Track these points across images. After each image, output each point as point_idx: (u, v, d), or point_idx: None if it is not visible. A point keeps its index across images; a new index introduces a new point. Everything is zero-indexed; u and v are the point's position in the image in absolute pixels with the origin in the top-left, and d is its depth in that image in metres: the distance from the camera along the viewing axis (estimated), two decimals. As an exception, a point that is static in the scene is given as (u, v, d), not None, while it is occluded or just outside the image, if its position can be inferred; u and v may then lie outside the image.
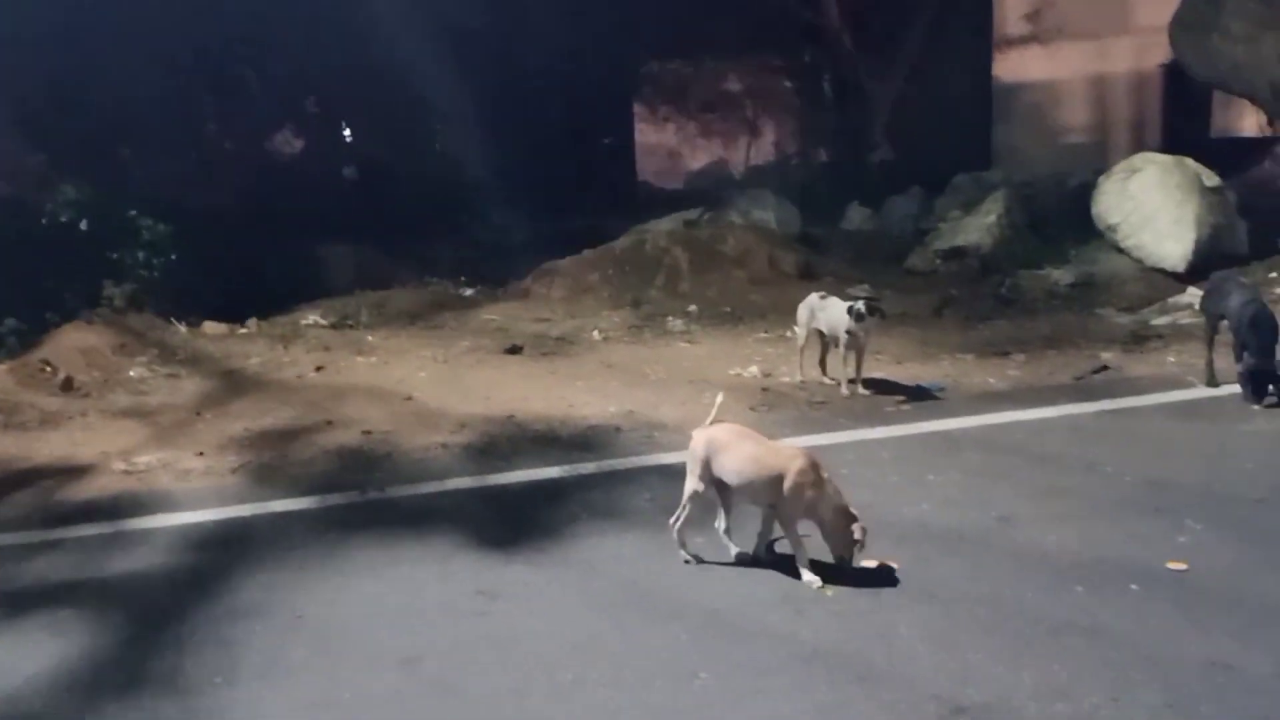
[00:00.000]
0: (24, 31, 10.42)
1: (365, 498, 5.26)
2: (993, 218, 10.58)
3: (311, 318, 9.83)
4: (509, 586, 4.15)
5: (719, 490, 4.22)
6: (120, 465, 5.89)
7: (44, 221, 9.35)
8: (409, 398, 7.06)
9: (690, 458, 4.22)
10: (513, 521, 4.83)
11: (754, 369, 7.36)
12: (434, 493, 5.30)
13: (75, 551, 4.70)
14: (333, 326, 9.57)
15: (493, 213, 13.81)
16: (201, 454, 6.02)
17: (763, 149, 16.10)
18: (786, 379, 7.07)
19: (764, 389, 6.89)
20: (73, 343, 8.15)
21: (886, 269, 10.62)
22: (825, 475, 4.05)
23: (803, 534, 4.05)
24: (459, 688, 3.44)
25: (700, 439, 4.21)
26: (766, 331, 8.60)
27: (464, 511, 5.01)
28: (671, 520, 4.27)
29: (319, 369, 7.95)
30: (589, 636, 3.72)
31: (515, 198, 14.06)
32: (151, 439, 6.39)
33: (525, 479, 5.44)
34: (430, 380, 7.54)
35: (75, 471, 5.85)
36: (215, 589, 4.21)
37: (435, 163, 16.46)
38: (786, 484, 4.00)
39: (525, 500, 5.14)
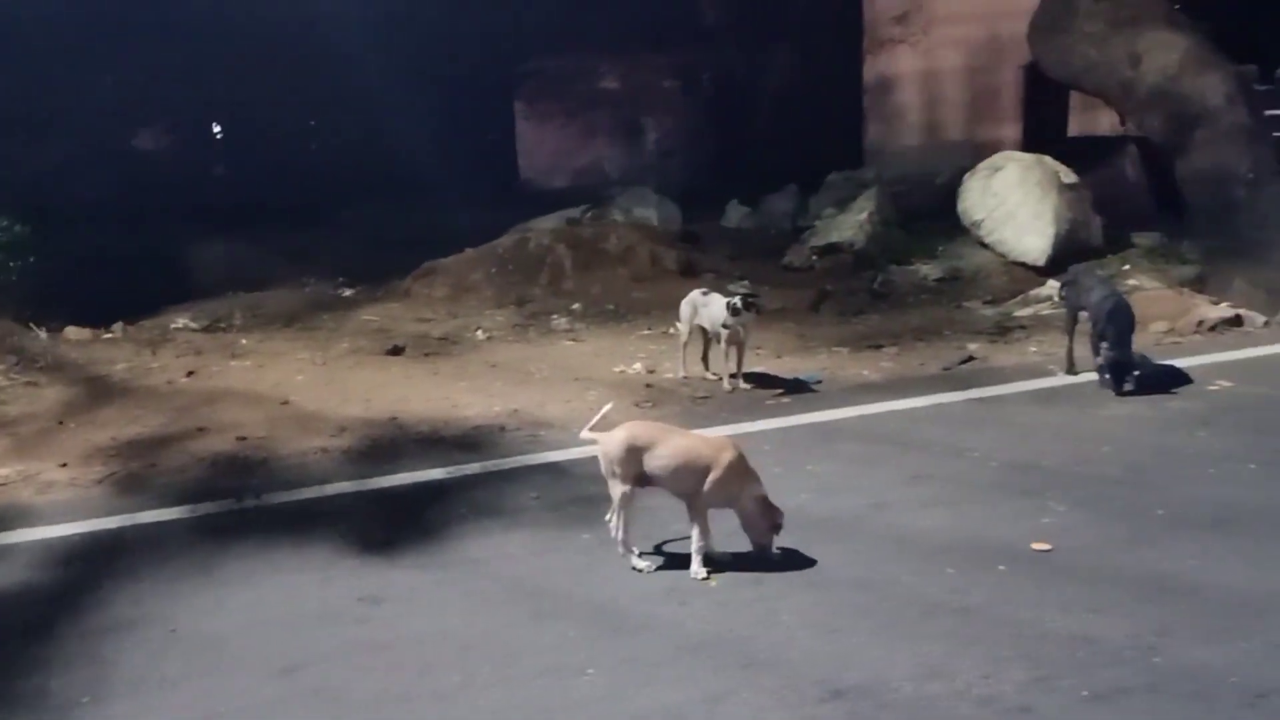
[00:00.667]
0: None
1: (241, 505, 5.11)
2: (865, 215, 10.88)
3: (181, 321, 9.48)
4: (393, 590, 4.10)
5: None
6: (-25, 479, 5.59)
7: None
8: (286, 401, 6.88)
9: (610, 461, 4.12)
10: (396, 524, 4.76)
11: (638, 366, 7.42)
12: (313, 498, 5.19)
13: (-74, 572, 4.45)
14: (204, 330, 9.25)
15: (371, 210, 13.57)
16: (65, 465, 5.75)
17: (645, 147, 16.19)
18: (670, 375, 7.14)
19: (648, 385, 6.95)
20: (-80, 350, 7.68)
21: (766, 265, 10.80)
22: (750, 465, 4.13)
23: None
24: (341, 695, 3.38)
25: (619, 439, 4.12)
26: (650, 328, 8.66)
27: (345, 516, 4.92)
28: (614, 534, 4.19)
29: (190, 374, 7.67)
30: (476, 637, 3.71)
31: (395, 195, 13.85)
32: (10, 451, 6.07)
33: (409, 481, 5.37)
34: (308, 383, 7.36)
35: (-75, 487, 5.53)
36: (83, 604, 4.04)
37: (310, 159, 16.10)
38: (715, 474, 4.06)
39: (409, 502, 5.07)
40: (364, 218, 13.39)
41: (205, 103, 15.39)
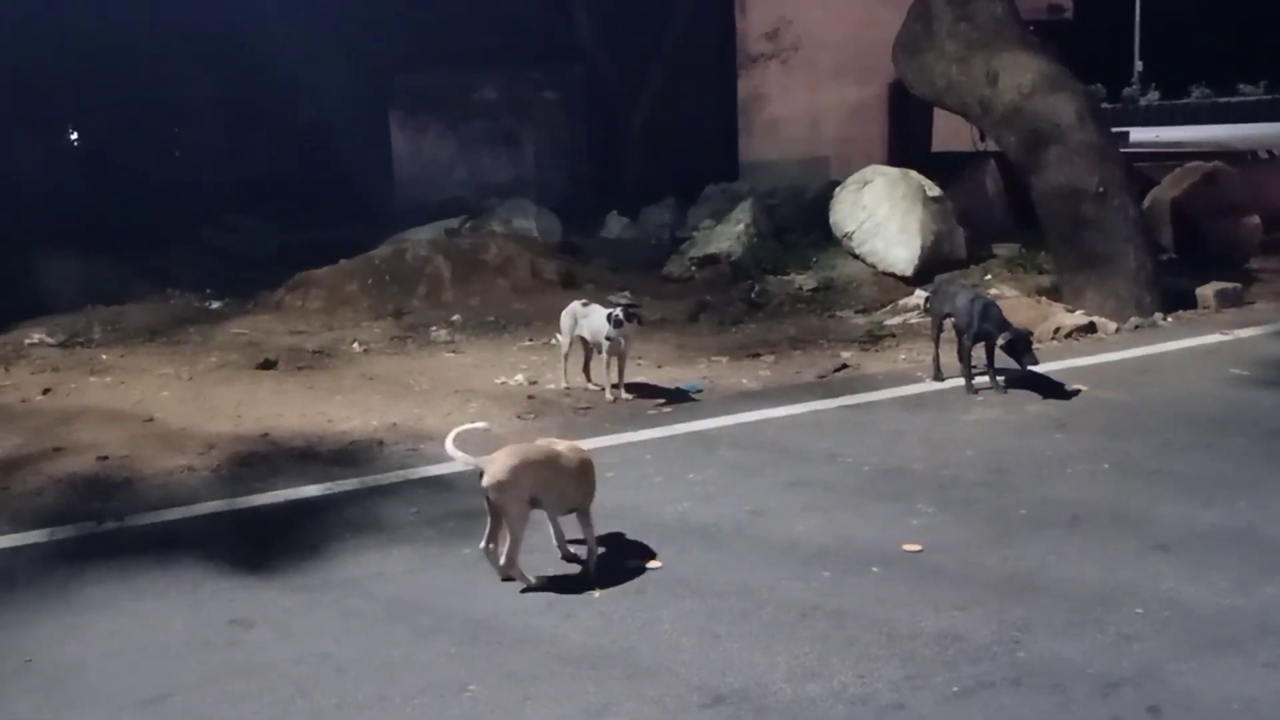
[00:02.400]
0: None
1: (102, 528, 4.88)
2: (741, 226, 11.09)
3: (36, 336, 9.00)
4: (265, 612, 3.98)
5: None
6: None
7: None
8: (150, 419, 6.61)
9: (505, 491, 3.98)
10: (269, 544, 4.62)
11: (519, 377, 7.38)
12: (180, 519, 4.99)
13: None
14: (61, 345, 8.80)
15: (240, 222, 13.18)
16: (-95, 489, 5.40)
17: (523, 159, 16.15)
18: (552, 386, 7.13)
19: (530, 396, 6.92)
20: None
21: (646, 276, 10.90)
22: None
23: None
24: (211, 721, 3.27)
25: (512, 467, 3.98)
26: (531, 339, 8.63)
27: (214, 537, 4.75)
28: (504, 562, 4.05)
29: (46, 391, 7.30)
30: (352, 658, 3.62)
31: (265, 206, 13.49)
32: None
33: (282, 499, 5.22)
34: (173, 399, 7.09)
35: None
36: (-76, 639, 3.79)
37: (174, 169, 15.55)
38: (589, 481, 4.17)
39: (282, 521, 4.93)
40: (232, 232, 13.01)
41: (61, 113, 14.75)
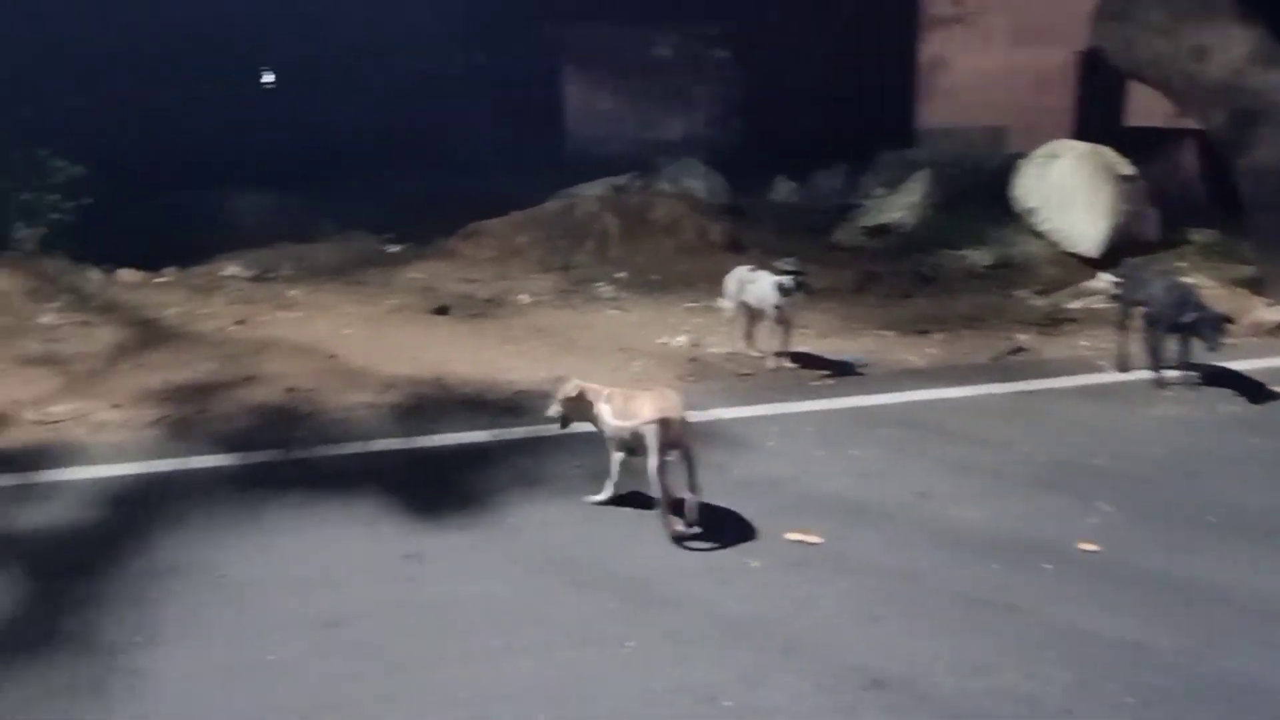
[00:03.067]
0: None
1: (289, 456, 5.17)
2: (916, 196, 10.75)
3: (231, 269, 9.56)
4: (435, 551, 4.15)
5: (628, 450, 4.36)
6: (31, 415, 5.69)
7: (-55, 157, 8.91)
8: (333, 355, 6.93)
9: (655, 435, 4.14)
10: (440, 485, 4.80)
11: (682, 338, 7.40)
12: (359, 453, 5.24)
13: (-18, 504, 4.55)
14: (254, 279, 9.32)
15: (417, 169, 13.58)
16: (118, 406, 5.85)
17: (693, 117, 16.03)
18: (714, 350, 7.12)
19: (692, 359, 6.93)
20: (-21, 285, 7.82)
21: (812, 243, 10.69)
22: None
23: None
24: (383, 652, 3.43)
25: (677, 404, 4.27)
26: (694, 301, 8.62)
27: (390, 473, 4.96)
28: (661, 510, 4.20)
29: (240, 322, 7.75)
30: (515, 603, 3.74)
31: (441, 152, 13.84)
32: (65, 389, 6.18)
33: (452, 442, 5.41)
34: (355, 338, 7.41)
35: (-20, 421, 5.64)
36: (133, 546, 4.12)
37: (361, 112, 16.11)
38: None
39: (452, 464, 5.11)
40: (409, 176, 13.41)
41: (261, 50, 15.42)
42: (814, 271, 9.08)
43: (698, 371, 6.67)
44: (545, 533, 4.32)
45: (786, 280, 6.43)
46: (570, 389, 4.51)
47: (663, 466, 4.16)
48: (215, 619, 3.60)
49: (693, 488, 4.27)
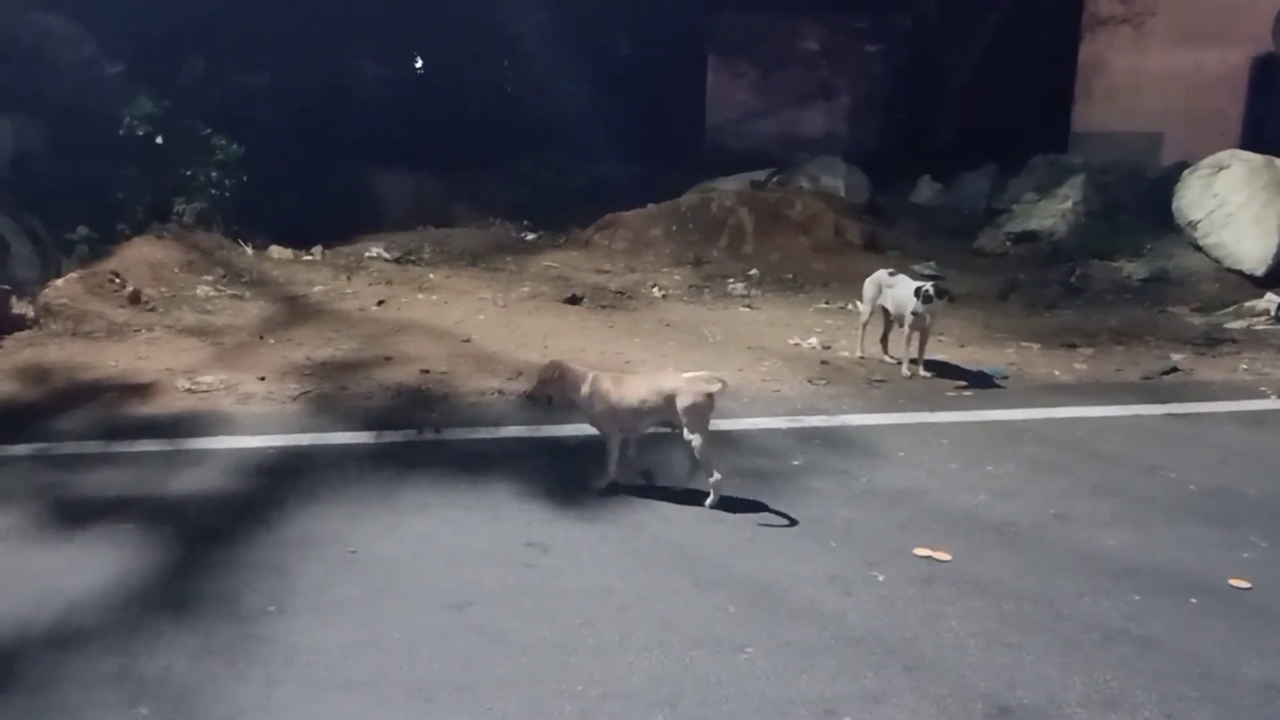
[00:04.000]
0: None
1: (421, 437, 5.30)
2: (1069, 204, 10.34)
3: (375, 250, 9.87)
4: (559, 540, 4.17)
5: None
6: (183, 383, 5.99)
7: (120, 133, 9.43)
8: (468, 339, 7.08)
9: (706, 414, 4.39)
10: (565, 475, 4.84)
11: (814, 340, 7.29)
12: (489, 438, 5.33)
13: (135, 466, 4.79)
14: (395, 261, 9.61)
15: (555, 155, 13.73)
16: (263, 379, 6.10)
17: (836, 112, 15.77)
18: (845, 353, 6.99)
19: (823, 362, 6.82)
20: (142, 256, 8.28)
21: (953, 246, 10.42)
22: None
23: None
24: (505, 636, 3.47)
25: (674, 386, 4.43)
26: (827, 302, 8.50)
27: (517, 460, 5.03)
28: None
29: (381, 303, 7.99)
30: (636, 598, 3.73)
31: (579, 141, 13.95)
32: (215, 359, 6.48)
33: (578, 433, 5.41)
34: (489, 323, 7.55)
35: (138, 386, 5.96)
36: (271, 516, 4.27)
37: (501, 99, 16.38)
38: None
39: (578, 454, 5.13)
40: (547, 163, 13.58)
41: (414, 37, 15.81)
42: (955, 277, 8.89)
43: (828, 374, 6.55)
44: (667, 529, 4.30)
45: (928, 287, 6.25)
46: (550, 370, 4.57)
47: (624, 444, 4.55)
48: (344, 593, 3.70)
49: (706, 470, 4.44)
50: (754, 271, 9.49)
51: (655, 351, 6.93)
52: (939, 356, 6.82)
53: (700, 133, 15.88)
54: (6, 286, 7.10)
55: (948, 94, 15.11)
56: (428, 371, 6.31)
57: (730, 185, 11.68)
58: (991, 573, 3.94)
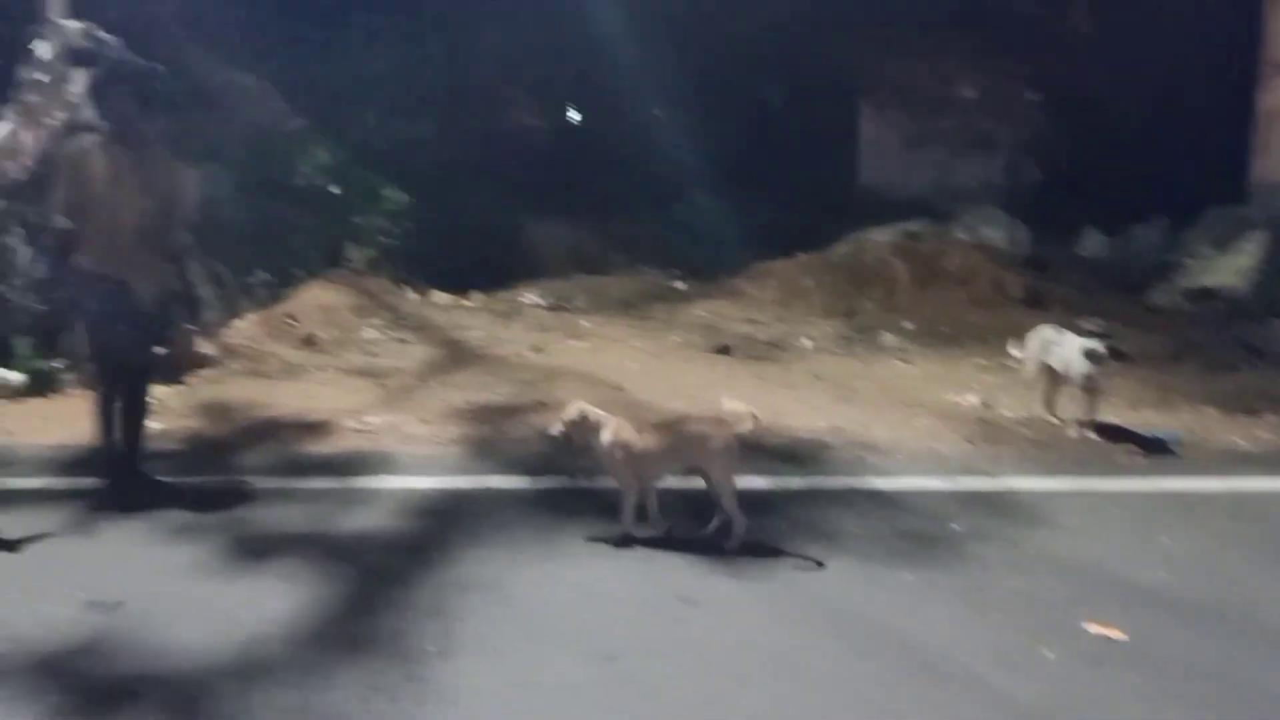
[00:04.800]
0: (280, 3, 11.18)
1: (574, 484, 5.36)
2: (1250, 259, 9.80)
3: (531, 297, 10.15)
4: (709, 594, 4.14)
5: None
6: (351, 423, 6.25)
7: (298, 182, 10.01)
8: (619, 388, 7.16)
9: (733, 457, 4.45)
10: (725, 528, 4.80)
11: (972, 397, 7.07)
12: (640, 488, 5.35)
13: (308, 503, 5.01)
14: (550, 308, 9.84)
15: (706, 202, 13.82)
16: (425, 421, 6.31)
17: (995, 161, 15.39)
18: (1007, 412, 6.75)
19: (981, 420, 6.61)
20: (315, 300, 8.73)
21: (1123, 303, 9.98)
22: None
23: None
24: (655, 690, 3.45)
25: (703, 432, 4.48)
26: (986, 358, 8.24)
27: (668, 511, 5.01)
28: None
29: (536, 349, 8.18)
30: (787, 658, 3.67)
31: (729, 188, 14.02)
32: (381, 400, 6.75)
33: (730, 486, 5.41)
34: (640, 372, 7.62)
35: (311, 425, 6.26)
36: (434, 558, 4.39)
37: (651, 147, 16.64)
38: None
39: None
40: (697, 210, 13.70)
41: (565, 87, 16.28)
42: (1125, 334, 8.50)
43: (988, 434, 6.35)
44: (822, 589, 4.22)
45: (1098, 345, 5.99)
46: (573, 411, 4.51)
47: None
48: (502, 638, 3.76)
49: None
50: (908, 324, 9.31)
51: (806, 404, 6.86)
52: (1110, 419, 6.51)
53: (852, 181, 15.73)
54: (194, 327, 7.58)
55: (1115, 144, 14.54)
56: (581, 419, 6.40)
57: (883, 235, 11.52)
58: (1170, 653, 3.72)
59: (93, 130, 6.94)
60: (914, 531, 4.76)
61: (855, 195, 15.16)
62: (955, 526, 4.86)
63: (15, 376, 6.81)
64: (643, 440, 4.48)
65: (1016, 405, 6.72)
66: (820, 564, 4.41)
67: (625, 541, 4.54)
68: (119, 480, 4.98)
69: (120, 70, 4.95)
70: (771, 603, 4.09)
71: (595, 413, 4.54)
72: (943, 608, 4.01)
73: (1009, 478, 5.51)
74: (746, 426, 4.48)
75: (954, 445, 6.07)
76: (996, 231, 11.62)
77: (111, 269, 4.84)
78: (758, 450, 5.93)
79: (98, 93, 4.99)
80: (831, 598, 4.14)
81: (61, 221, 4.82)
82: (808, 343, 8.74)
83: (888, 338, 8.95)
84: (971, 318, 9.43)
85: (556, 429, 4.60)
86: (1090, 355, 5.96)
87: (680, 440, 4.47)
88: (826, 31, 14.48)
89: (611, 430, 4.48)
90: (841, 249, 10.96)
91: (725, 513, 4.49)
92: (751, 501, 5.15)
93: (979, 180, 14.89)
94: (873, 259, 10.52)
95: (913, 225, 11.99)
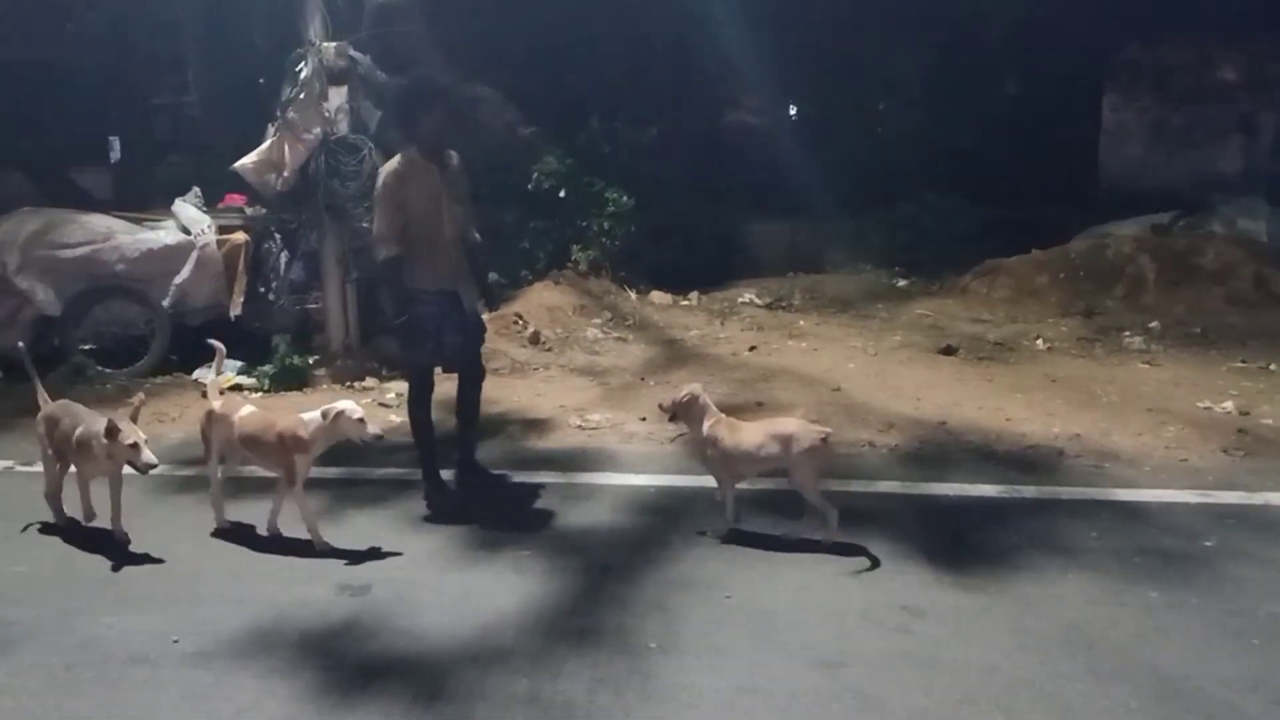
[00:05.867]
0: (513, 16, 11.63)
1: (791, 486, 5.30)
2: None
3: (747, 295, 10.15)
4: (936, 607, 4.01)
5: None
6: (575, 420, 6.45)
7: (529, 188, 10.42)
8: (837, 388, 7.05)
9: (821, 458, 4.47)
10: (943, 538, 4.66)
11: (1228, 404, 6.51)
12: (861, 493, 5.25)
13: (537, 497, 5.22)
14: (767, 307, 9.81)
15: (934, 198, 13.34)
16: (644, 419, 6.42)
17: (1259, 149, 14.06)
18: (1269, 421, 6.18)
19: (1240, 430, 6.07)
20: (542, 300, 9.06)
21: None
22: None
23: None
24: (882, 702, 3.37)
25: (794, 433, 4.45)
26: (1244, 361, 7.57)
27: (891, 518, 4.91)
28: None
29: (752, 348, 8.17)
30: (1022, 680, 3.49)
31: (961, 183, 13.47)
32: (602, 398, 6.93)
33: (957, 493, 5.23)
34: (859, 372, 7.48)
35: (537, 421, 6.50)
36: (656, 555, 4.47)
37: (875, 142, 16.21)
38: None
39: (957, 517, 4.93)
40: (926, 208, 13.24)
41: (785, 86, 16.13)
42: None
43: (1247, 445, 5.83)
44: (1057, 607, 4.00)
45: (1379, 350, 5.39)
46: (687, 392, 4.65)
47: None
48: (723, 639, 3.77)
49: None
50: (1155, 324, 8.68)
51: (1040, 409, 6.52)
52: (1394, 433, 5.86)
53: (1093, 173, 14.78)
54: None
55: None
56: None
57: (1128, 229, 10.78)
58: None
59: (358, 146, 7.50)
60: (1160, 548, 4.44)
61: (1096, 188, 14.25)
62: (1209, 544, 4.49)
63: (247, 380, 7.38)
64: (735, 438, 4.55)
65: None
66: (1057, 578, 4.18)
67: (731, 537, 4.62)
68: (441, 483, 5.30)
69: (429, 87, 5.18)
70: (1004, 619, 3.92)
71: (706, 403, 4.66)
72: (1195, 632, 3.72)
73: (1272, 493, 5.04)
74: (830, 431, 4.62)
75: (1207, 456, 5.62)
76: (1259, 224, 10.62)
77: (446, 284, 5.05)
78: (987, 457, 5.73)
79: (403, 111, 5.23)
80: (1072, 617, 3.92)
81: (391, 248, 4.91)
82: (1041, 343, 8.30)
83: (1132, 338, 8.37)
84: (1229, 318, 8.68)
85: (667, 402, 4.73)
86: (1373, 361, 5.37)
87: (771, 439, 4.48)
88: (1066, 12, 13.68)
89: (710, 424, 4.60)
90: (1080, 244, 10.35)
91: (815, 510, 4.51)
92: (981, 511, 4.98)
93: (1238, 169, 13.67)
94: (1116, 254, 9.86)
95: (1161, 217, 11.16)
